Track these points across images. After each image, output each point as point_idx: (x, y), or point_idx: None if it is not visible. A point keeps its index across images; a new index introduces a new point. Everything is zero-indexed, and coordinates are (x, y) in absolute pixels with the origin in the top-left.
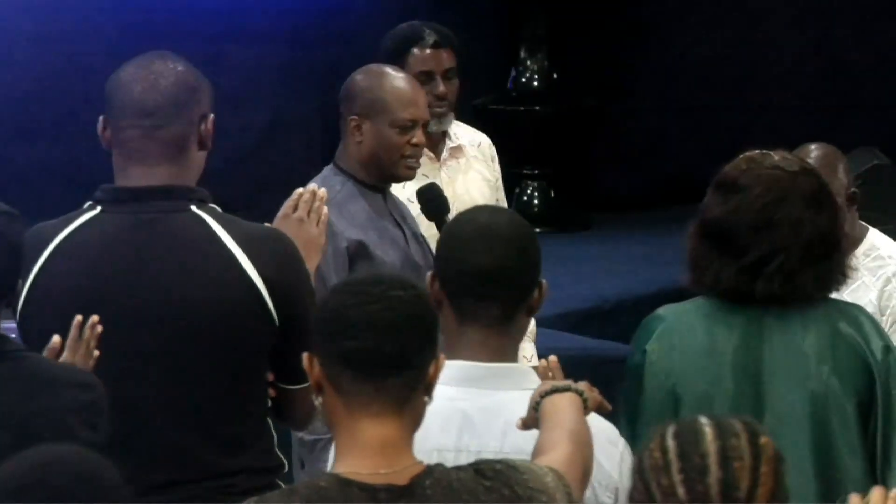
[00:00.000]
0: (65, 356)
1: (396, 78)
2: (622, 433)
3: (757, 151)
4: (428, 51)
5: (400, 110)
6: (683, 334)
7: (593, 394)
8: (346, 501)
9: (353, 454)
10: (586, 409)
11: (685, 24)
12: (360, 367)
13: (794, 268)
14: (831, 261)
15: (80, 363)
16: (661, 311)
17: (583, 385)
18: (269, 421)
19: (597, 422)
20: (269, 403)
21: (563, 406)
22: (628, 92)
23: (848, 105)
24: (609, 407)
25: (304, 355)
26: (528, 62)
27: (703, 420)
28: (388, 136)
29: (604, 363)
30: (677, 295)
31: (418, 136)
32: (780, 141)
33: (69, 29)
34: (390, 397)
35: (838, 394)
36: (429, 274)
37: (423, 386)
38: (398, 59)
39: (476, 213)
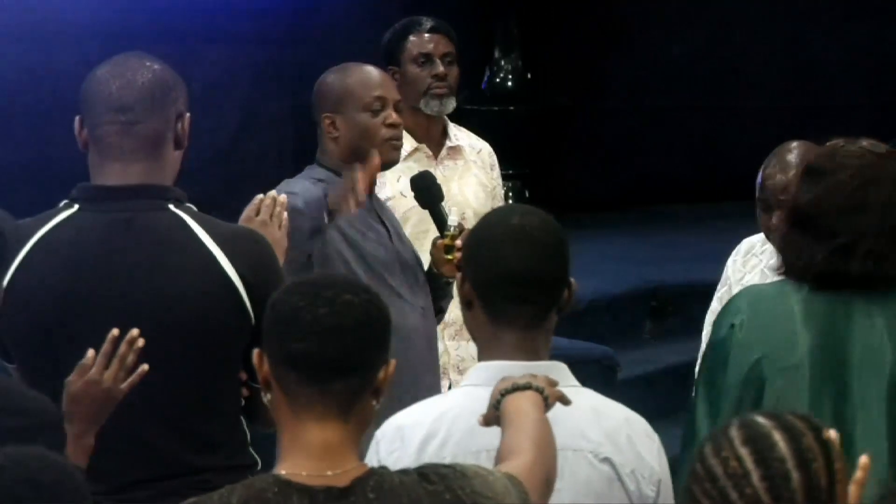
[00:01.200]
0: (92, 374)
1: (358, 66)
2: (701, 416)
3: (842, 139)
4: (426, 35)
5: (365, 92)
6: (771, 311)
7: (553, 389)
8: (284, 502)
9: (296, 455)
10: (547, 406)
11: (658, 26)
12: (306, 370)
13: (884, 249)
14: None
15: (108, 379)
16: (747, 290)
17: (542, 381)
18: (243, 419)
19: (632, 415)
20: (243, 402)
21: (525, 406)
22: (602, 92)
23: (819, 105)
24: (570, 401)
25: (255, 352)
26: (502, 62)
27: (765, 422)
28: (361, 121)
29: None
30: (650, 294)
31: (393, 116)
32: (751, 141)
33: (42, 28)
34: (335, 401)
35: None
36: (458, 275)
37: (370, 390)
38: (397, 46)
39: (507, 215)
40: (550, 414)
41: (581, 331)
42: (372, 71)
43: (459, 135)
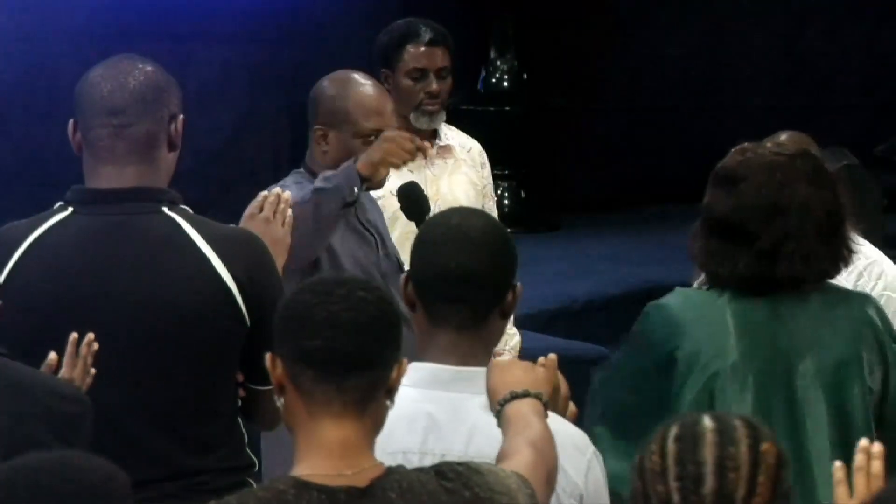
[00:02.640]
0: (63, 372)
1: (361, 86)
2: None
3: (747, 143)
4: (423, 48)
5: (363, 120)
6: (703, 317)
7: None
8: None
9: (313, 455)
10: (547, 412)
11: (654, 25)
12: (322, 367)
13: (811, 248)
14: (840, 237)
15: (77, 380)
16: (672, 301)
17: (540, 386)
18: (240, 421)
19: (565, 427)
20: (240, 403)
21: (525, 412)
22: (598, 92)
23: (816, 105)
24: (575, 411)
25: (267, 355)
26: (498, 63)
27: (707, 423)
28: (352, 146)
29: (573, 363)
30: (647, 295)
31: None
32: (748, 141)
33: (36, 29)
34: (351, 398)
35: (859, 373)
36: (402, 276)
37: (384, 388)
38: (393, 54)
39: (449, 215)
40: (473, 423)
41: (577, 331)
42: (373, 95)
43: (450, 133)
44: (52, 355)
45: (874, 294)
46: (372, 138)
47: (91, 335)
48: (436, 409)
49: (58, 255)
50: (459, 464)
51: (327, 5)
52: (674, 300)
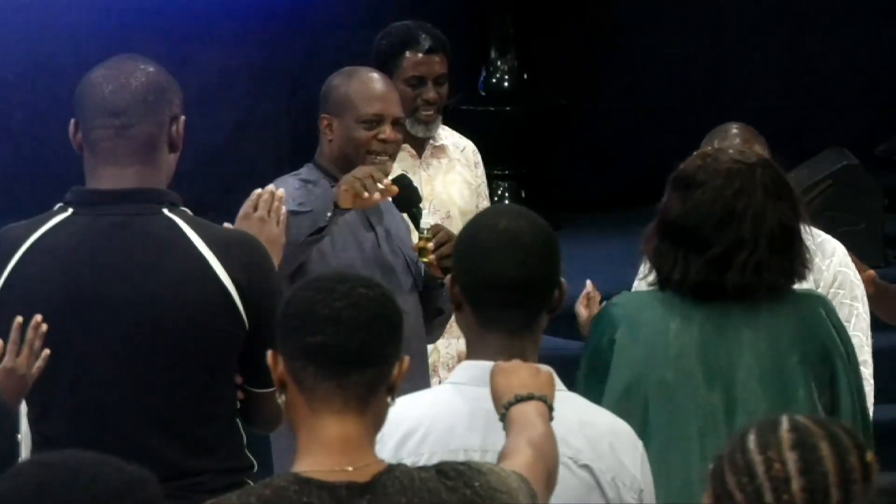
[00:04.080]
0: (6, 361)
1: (366, 75)
2: None
3: (709, 148)
4: (421, 55)
5: (364, 105)
6: (648, 326)
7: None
8: (306, 500)
9: (315, 452)
10: (552, 415)
11: (654, 25)
12: (324, 363)
13: (762, 258)
14: (795, 250)
15: (22, 365)
16: (620, 300)
17: (543, 389)
18: (239, 422)
19: (618, 423)
20: (238, 405)
21: (529, 414)
22: (598, 92)
23: (816, 106)
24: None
25: (269, 353)
26: (498, 62)
27: (815, 429)
28: (353, 132)
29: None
30: None
31: (387, 133)
32: None
33: (38, 30)
34: (353, 394)
35: (807, 385)
36: (448, 277)
37: (386, 386)
38: (391, 60)
39: (496, 218)
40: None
41: (577, 331)
42: (377, 83)
43: (443, 133)
44: None
45: (829, 271)
46: (373, 123)
47: (38, 317)
48: (493, 407)
49: (58, 257)
50: (461, 463)
51: (328, 6)
52: (619, 300)
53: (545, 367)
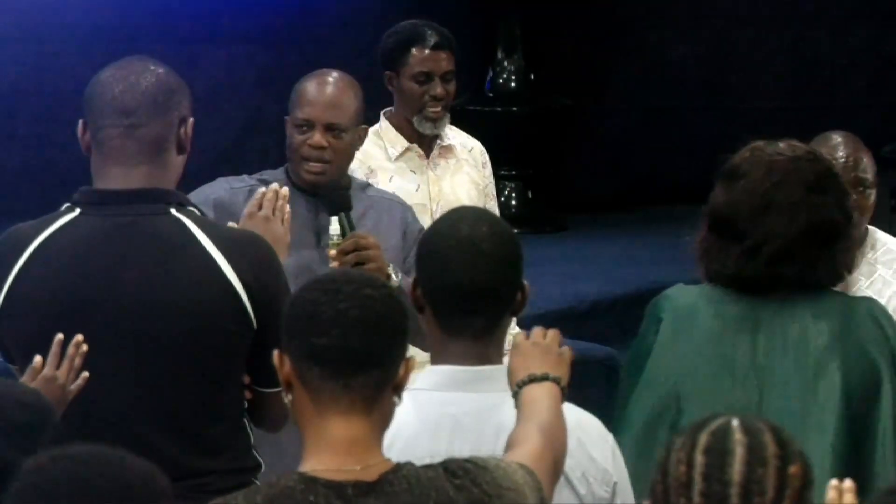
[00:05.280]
0: (45, 371)
1: (316, 78)
2: (620, 417)
3: (761, 141)
4: (427, 52)
5: (296, 109)
6: (688, 320)
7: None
8: (312, 499)
9: (321, 452)
10: (564, 398)
11: (660, 26)
12: (329, 364)
13: (791, 252)
14: (833, 248)
15: (62, 375)
16: (671, 291)
17: (558, 369)
18: (247, 422)
19: (585, 417)
20: (246, 405)
21: (541, 396)
22: (604, 93)
23: (822, 106)
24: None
25: (275, 353)
26: (505, 63)
27: (737, 436)
28: (290, 135)
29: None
30: (654, 295)
31: (315, 138)
32: (755, 141)
33: (44, 30)
34: (359, 395)
35: (842, 391)
36: (411, 279)
37: (392, 385)
38: (398, 57)
39: (456, 224)
40: (499, 421)
41: (583, 332)
42: (315, 87)
43: (451, 133)
44: (38, 359)
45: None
46: (303, 128)
47: (79, 337)
48: (459, 411)
49: (65, 257)
50: (467, 460)
51: (335, 6)
52: (671, 291)
53: (566, 348)
